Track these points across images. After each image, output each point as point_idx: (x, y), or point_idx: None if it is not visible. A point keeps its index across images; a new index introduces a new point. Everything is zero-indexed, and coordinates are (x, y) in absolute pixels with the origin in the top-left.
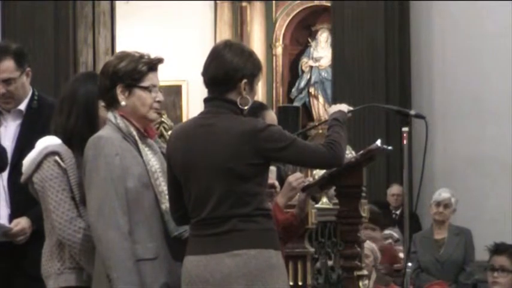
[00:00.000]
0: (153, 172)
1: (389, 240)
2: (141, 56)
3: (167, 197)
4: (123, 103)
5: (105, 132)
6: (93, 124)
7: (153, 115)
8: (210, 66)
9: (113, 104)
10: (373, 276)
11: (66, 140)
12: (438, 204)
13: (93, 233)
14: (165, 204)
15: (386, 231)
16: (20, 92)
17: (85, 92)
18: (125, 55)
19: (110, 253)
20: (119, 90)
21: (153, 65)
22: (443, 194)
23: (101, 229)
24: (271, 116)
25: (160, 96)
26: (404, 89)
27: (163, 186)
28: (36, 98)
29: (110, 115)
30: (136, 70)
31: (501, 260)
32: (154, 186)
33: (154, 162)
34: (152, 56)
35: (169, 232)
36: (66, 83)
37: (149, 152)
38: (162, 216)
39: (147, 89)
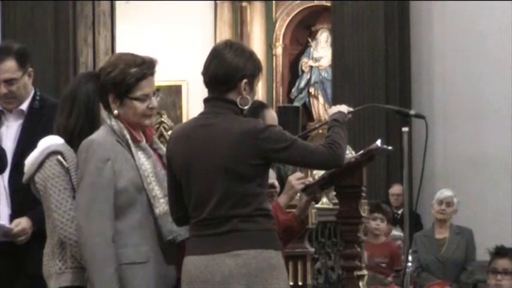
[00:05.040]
0: (146, 176)
1: (399, 242)
2: (134, 64)
3: (161, 201)
4: (115, 112)
5: (98, 135)
6: (93, 124)
7: (146, 122)
8: (210, 66)
9: (109, 109)
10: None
11: (68, 140)
12: (440, 202)
13: (79, 235)
14: (159, 209)
15: (396, 233)
16: (22, 92)
17: (86, 92)
18: (118, 61)
19: (92, 258)
20: (110, 99)
21: (142, 74)
22: (445, 192)
23: (86, 233)
24: (272, 115)
25: (153, 103)
26: (404, 89)
27: (156, 191)
28: (38, 98)
29: (105, 116)
30: (124, 83)
31: (504, 263)
32: (148, 190)
33: (148, 166)
34: (146, 62)
35: (162, 236)
36: (69, 83)
37: (142, 156)
38: (155, 220)
39: (138, 99)
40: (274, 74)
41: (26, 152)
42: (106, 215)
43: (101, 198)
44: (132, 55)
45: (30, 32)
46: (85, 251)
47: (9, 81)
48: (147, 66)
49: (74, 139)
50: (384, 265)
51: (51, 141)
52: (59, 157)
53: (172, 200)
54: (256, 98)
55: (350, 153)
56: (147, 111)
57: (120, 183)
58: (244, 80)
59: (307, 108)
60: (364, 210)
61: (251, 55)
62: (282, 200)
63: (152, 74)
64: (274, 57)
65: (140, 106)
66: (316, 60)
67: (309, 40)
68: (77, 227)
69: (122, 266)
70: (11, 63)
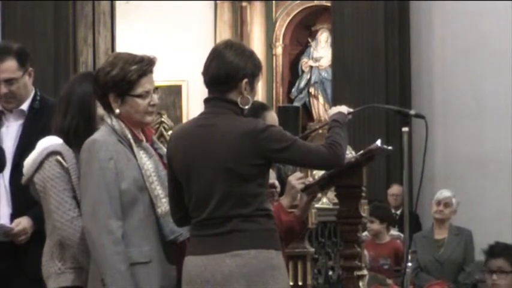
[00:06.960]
0: (148, 176)
1: (398, 242)
2: (133, 62)
3: (163, 200)
4: (117, 111)
5: (100, 135)
6: (89, 123)
7: (148, 119)
8: (211, 66)
9: (109, 109)
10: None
11: (64, 140)
12: (439, 202)
13: (87, 237)
14: (161, 208)
15: (395, 232)
16: (22, 92)
17: (81, 92)
18: (116, 60)
19: (103, 258)
20: (111, 99)
21: (143, 71)
22: (444, 193)
23: (94, 234)
24: (273, 117)
25: (154, 100)
26: (404, 89)
27: (158, 190)
28: (38, 98)
29: (106, 116)
30: (125, 80)
31: (498, 263)
32: (150, 190)
33: (150, 165)
34: (145, 60)
35: (164, 236)
36: (65, 83)
37: (144, 156)
38: (157, 220)
39: (139, 96)
40: (274, 74)
41: (27, 152)
42: (113, 214)
43: (106, 198)
44: (130, 54)
45: (30, 32)
46: (94, 253)
47: (9, 81)
48: (146, 63)
49: (69, 139)
50: (386, 267)
51: (50, 142)
52: (59, 157)
53: (173, 200)
54: (256, 98)
55: (350, 153)
56: (149, 108)
57: (123, 183)
58: (245, 80)
59: (307, 108)
60: (364, 210)
61: (251, 55)
62: (285, 201)
63: (151, 71)
64: (274, 57)
65: (142, 103)
66: (316, 60)
67: (309, 40)
68: (84, 229)
69: None
70: (11, 63)
